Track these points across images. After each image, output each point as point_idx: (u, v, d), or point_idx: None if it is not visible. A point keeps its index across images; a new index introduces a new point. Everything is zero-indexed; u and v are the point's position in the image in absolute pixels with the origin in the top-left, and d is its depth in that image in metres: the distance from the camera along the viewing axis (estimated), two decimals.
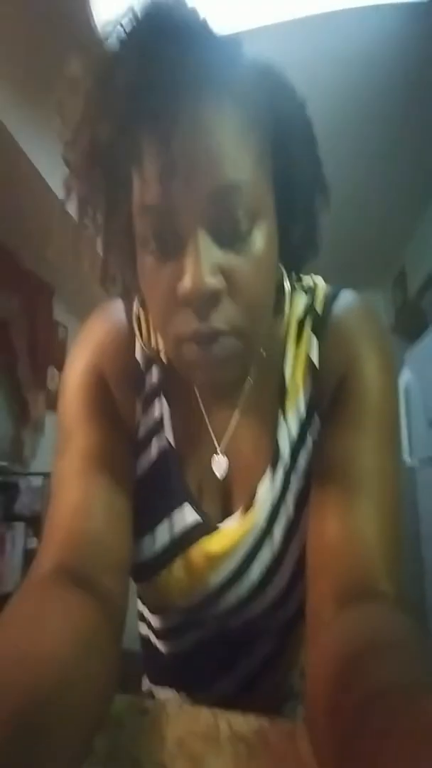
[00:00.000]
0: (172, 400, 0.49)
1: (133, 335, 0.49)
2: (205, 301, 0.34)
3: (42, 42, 1.36)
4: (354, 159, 1.93)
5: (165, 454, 0.49)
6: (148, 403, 0.49)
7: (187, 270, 0.33)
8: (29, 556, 2.15)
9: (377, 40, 1.41)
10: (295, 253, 0.43)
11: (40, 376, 2.60)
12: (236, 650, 0.54)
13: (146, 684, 0.63)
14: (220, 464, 0.47)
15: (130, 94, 0.31)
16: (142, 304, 0.49)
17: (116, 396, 0.48)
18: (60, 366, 2.58)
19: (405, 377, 2.19)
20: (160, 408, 0.49)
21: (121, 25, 0.33)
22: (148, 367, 0.50)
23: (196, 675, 0.55)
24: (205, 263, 0.33)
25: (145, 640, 0.61)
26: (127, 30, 0.33)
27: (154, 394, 0.49)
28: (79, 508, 0.41)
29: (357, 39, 1.41)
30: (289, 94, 0.39)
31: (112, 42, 0.33)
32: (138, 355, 0.49)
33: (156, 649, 0.58)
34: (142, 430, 0.49)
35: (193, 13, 0.35)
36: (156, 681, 0.60)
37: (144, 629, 0.61)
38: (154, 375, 0.49)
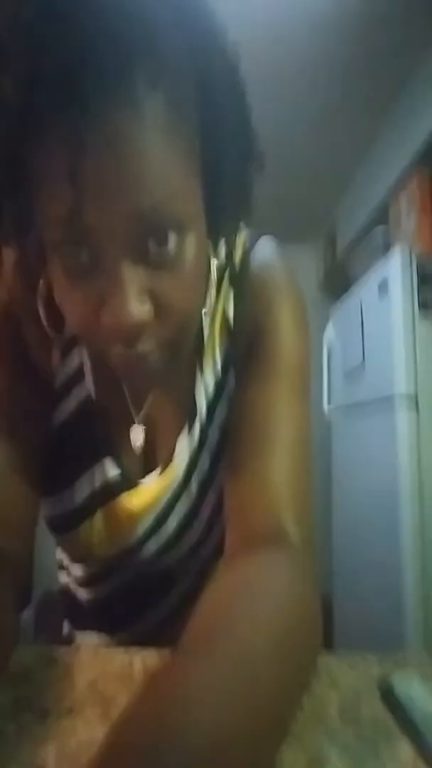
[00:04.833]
0: (92, 352, 0.46)
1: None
2: (132, 333, 0.31)
3: None
4: (291, 120, 1.89)
5: (86, 405, 0.47)
6: (66, 350, 0.46)
7: (110, 300, 0.30)
8: None
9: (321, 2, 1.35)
10: (227, 218, 0.40)
11: None
12: (155, 592, 0.57)
13: (67, 628, 0.65)
14: (137, 434, 0.47)
15: (26, 87, 0.24)
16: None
17: (28, 338, 0.44)
18: None
19: (329, 332, 2.29)
20: (80, 357, 0.46)
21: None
22: None
23: (116, 618, 0.58)
24: (131, 292, 0.29)
25: (65, 587, 0.62)
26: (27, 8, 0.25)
27: (74, 341, 0.46)
28: None
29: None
30: (218, 41, 0.32)
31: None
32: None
33: (76, 595, 0.59)
34: (60, 378, 0.46)
35: None
36: (76, 625, 0.63)
37: (63, 577, 0.62)
38: None
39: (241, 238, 0.48)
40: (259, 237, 0.49)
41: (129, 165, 0.27)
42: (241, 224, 0.47)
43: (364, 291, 1.88)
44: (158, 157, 0.28)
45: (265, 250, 0.48)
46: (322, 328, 2.32)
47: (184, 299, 0.33)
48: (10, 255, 0.32)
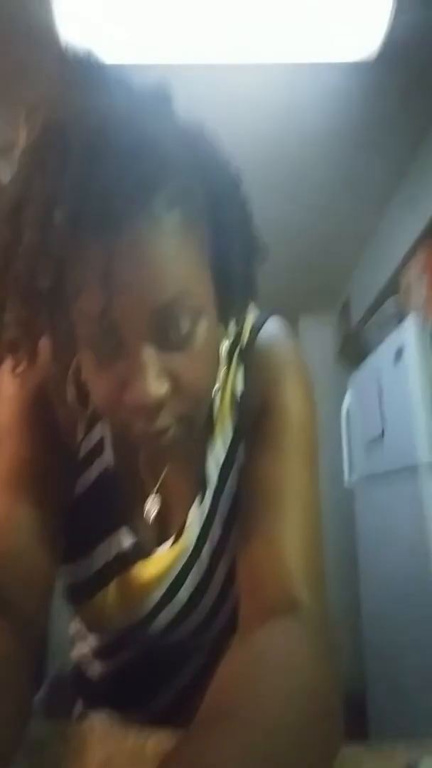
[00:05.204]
0: (114, 427, 0.49)
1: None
2: (152, 410, 0.35)
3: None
4: (303, 195, 2.03)
5: (105, 475, 0.49)
6: (91, 424, 0.49)
7: (132, 381, 0.34)
8: None
9: (325, 92, 1.52)
10: (234, 303, 0.44)
11: None
12: (168, 668, 0.55)
13: (79, 708, 0.62)
14: (152, 505, 0.49)
15: (73, 215, 0.29)
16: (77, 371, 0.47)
17: (58, 412, 0.48)
18: None
19: (347, 401, 2.30)
20: (102, 430, 0.49)
21: (58, 134, 0.31)
22: None
23: (129, 695, 0.56)
24: (151, 374, 0.33)
25: (79, 662, 0.60)
26: (62, 141, 0.30)
27: (97, 417, 0.49)
28: (1, 526, 0.40)
29: (308, 88, 1.51)
30: (222, 164, 0.39)
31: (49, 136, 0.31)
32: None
33: (89, 669, 0.58)
34: (83, 450, 0.49)
35: (133, 112, 0.33)
36: (89, 704, 0.60)
37: (78, 650, 0.60)
38: None
39: (249, 318, 0.51)
40: (267, 316, 0.53)
41: (151, 267, 0.32)
42: (249, 306, 0.51)
43: (381, 359, 1.91)
44: (175, 259, 0.33)
45: (272, 327, 0.52)
46: (339, 397, 2.33)
47: (198, 377, 0.37)
48: (45, 345, 0.38)
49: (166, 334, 0.34)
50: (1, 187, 0.33)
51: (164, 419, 0.36)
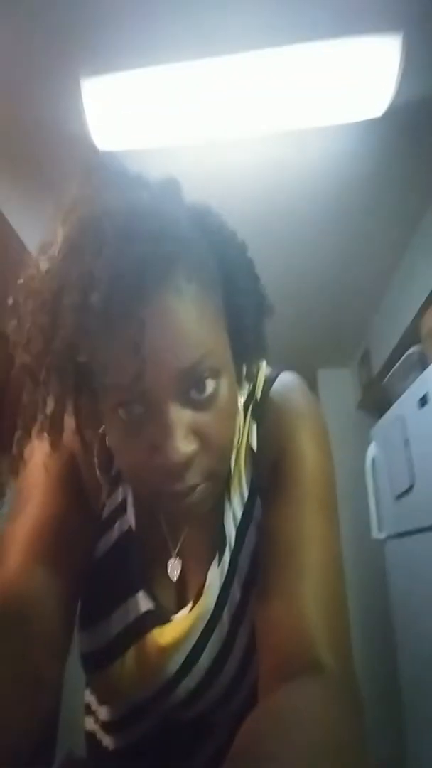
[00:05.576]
0: (138, 490, 0.49)
1: None
2: (181, 468, 0.36)
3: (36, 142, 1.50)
4: (319, 253, 2.10)
5: (125, 538, 0.49)
6: (114, 485, 0.49)
7: (162, 443, 0.35)
8: None
9: (334, 154, 1.61)
10: (246, 357, 0.46)
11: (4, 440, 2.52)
12: (186, 744, 0.50)
13: None
14: (174, 567, 0.48)
15: (105, 298, 0.32)
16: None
17: (84, 474, 0.48)
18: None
19: (372, 452, 2.23)
20: (124, 491, 0.49)
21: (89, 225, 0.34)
22: None
23: None
24: (179, 433, 0.35)
25: (91, 736, 0.56)
26: (96, 232, 0.33)
27: (119, 477, 0.50)
28: (17, 585, 0.40)
29: (317, 152, 1.59)
30: (229, 237, 0.42)
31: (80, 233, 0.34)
32: None
33: (102, 745, 0.53)
34: (106, 511, 0.49)
35: (157, 204, 0.36)
36: None
37: (90, 724, 0.56)
38: None
39: (262, 374, 0.52)
40: (280, 370, 0.53)
41: (177, 332, 0.35)
42: (261, 362, 0.53)
43: (405, 408, 1.87)
44: (197, 324, 0.36)
45: (285, 381, 0.52)
46: (363, 449, 2.27)
47: (222, 432, 0.39)
48: (70, 421, 0.40)
49: (192, 394, 0.36)
50: (40, 278, 0.36)
51: (193, 477, 0.37)
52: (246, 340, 0.43)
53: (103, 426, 0.40)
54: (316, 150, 1.58)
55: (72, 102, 1.33)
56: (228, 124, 1.40)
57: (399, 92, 1.31)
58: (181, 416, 0.35)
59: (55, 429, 0.37)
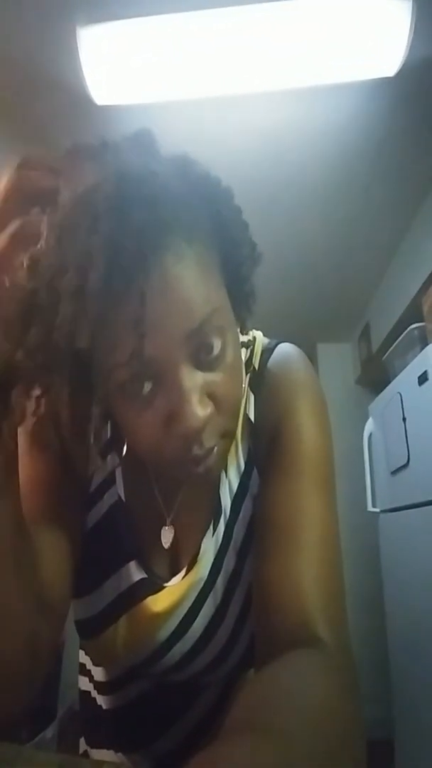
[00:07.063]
0: (124, 457, 0.49)
1: None
2: (200, 431, 0.35)
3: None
4: (322, 224, 2.05)
5: (115, 509, 0.48)
6: (102, 457, 0.49)
7: (178, 410, 0.34)
8: None
9: (343, 115, 1.54)
10: (242, 308, 0.45)
11: None
12: (178, 704, 0.51)
13: (83, 746, 0.58)
14: (167, 535, 0.48)
15: (104, 275, 0.30)
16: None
17: (68, 446, 0.46)
18: None
19: (369, 427, 2.24)
20: (113, 462, 0.49)
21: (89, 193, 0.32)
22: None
23: (136, 732, 0.52)
24: (194, 398, 0.34)
25: (85, 696, 0.57)
26: (97, 200, 0.31)
27: (108, 448, 0.49)
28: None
29: (325, 113, 1.53)
30: (215, 186, 0.40)
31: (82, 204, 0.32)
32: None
33: (95, 704, 0.55)
34: (94, 483, 0.49)
35: (154, 173, 0.34)
36: (94, 742, 0.56)
37: (84, 683, 0.58)
38: (109, 430, 0.49)
39: (259, 344, 0.51)
40: (279, 341, 0.52)
41: (182, 295, 0.34)
42: (259, 332, 0.52)
43: (403, 385, 1.86)
44: (201, 286, 0.35)
45: (284, 352, 0.51)
46: (360, 424, 2.28)
47: (232, 390, 0.39)
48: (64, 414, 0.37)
49: (201, 356, 0.36)
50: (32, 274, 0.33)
51: (210, 439, 0.37)
52: (242, 292, 0.43)
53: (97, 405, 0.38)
54: (325, 110, 1.51)
55: (68, 52, 1.26)
56: (232, 79, 1.33)
57: (411, 51, 1.25)
58: (194, 380, 0.35)
59: (42, 423, 0.36)
